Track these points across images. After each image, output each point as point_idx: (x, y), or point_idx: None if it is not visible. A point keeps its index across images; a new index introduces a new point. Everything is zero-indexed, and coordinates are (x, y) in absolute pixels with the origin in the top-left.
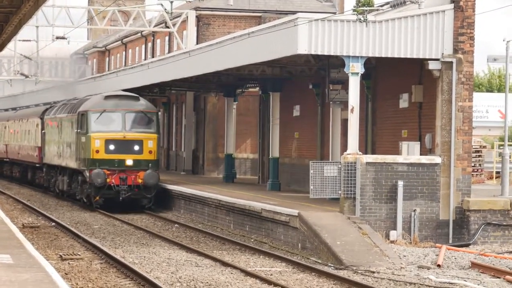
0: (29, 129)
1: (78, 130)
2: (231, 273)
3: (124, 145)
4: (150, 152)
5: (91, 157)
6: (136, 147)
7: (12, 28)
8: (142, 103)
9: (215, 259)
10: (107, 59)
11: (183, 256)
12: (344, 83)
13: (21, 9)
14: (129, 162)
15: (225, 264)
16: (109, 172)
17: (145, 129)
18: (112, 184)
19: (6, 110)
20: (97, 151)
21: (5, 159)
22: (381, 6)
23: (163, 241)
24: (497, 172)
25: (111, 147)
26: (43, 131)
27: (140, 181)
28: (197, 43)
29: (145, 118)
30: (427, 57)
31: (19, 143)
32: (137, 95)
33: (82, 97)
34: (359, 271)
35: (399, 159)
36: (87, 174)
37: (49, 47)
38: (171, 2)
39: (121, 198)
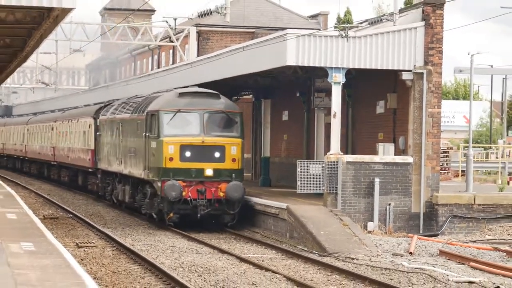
0: (80, 130)
1: (147, 134)
2: (228, 259)
3: (202, 152)
4: (234, 160)
5: (163, 166)
6: (217, 154)
7: (34, 42)
8: (223, 102)
9: (213, 247)
10: (118, 70)
11: (185, 244)
12: (328, 91)
13: (42, 25)
14: (209, 172)
15: (222, 251)
16: (185, 184)
17: (227, 132)
18: (188, 198)
19: (53, 111)
20: (171, 159)
21: (52, 162)
22: (360, 23)
23: (167, 231)
24: (462, 171)
25: (187, 154)
26: (97, 132)
27: (221, 194)
28: (197, 56)
29: (227, 119)
30: (401, 68)
31: (68, 146)
32: (217, 92)
33: (147, 94)
34: (340, 258)
35: (376, 158)
36: (159, 185)
37: (67, 58)
38: (175, 20)
39: (199, 215)
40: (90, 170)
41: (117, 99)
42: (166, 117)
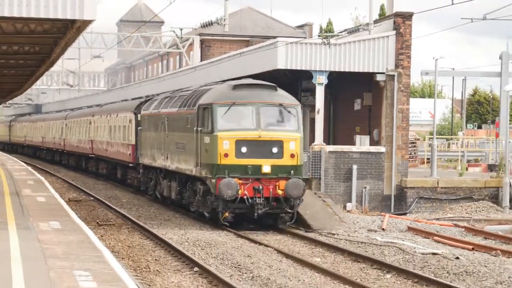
0: (120, 125)
1: (199, 128)
2: (226, 235)
3: (259, 147)
4: (292, 156)
5: (218, 163)
6: (275, 150)
7: (59, 50)
8: (281, 94)
9: (214, 225)
10: (132, 73)
11: (190, 222)
12: (312, 91)
13: (66, 35)
14: (266, 168)
15: (221, 228)
16: (241, 182)
17: (285, 127)
18: (244, 197)
19: (90, 106)
20: (226, 155)
21: (90, 155)
22: (340, 32)
23: (174, 211)
24: (428, 159)
25: (243, 149)
26: (139, 127)
27: (280, 192)
28: (201, 61)
29: (285, 112)
30: (375, 71)
31: (107, 140)
32: (274, 84)
33: (194, 87)
34: (323, 234)
35: (353, 148)
36: (213, 183)
37: (88, 64)
38: (181, 30)
39: (256, 214)
40: (130, 164)
41: (156, 94)
42: (220, 111)
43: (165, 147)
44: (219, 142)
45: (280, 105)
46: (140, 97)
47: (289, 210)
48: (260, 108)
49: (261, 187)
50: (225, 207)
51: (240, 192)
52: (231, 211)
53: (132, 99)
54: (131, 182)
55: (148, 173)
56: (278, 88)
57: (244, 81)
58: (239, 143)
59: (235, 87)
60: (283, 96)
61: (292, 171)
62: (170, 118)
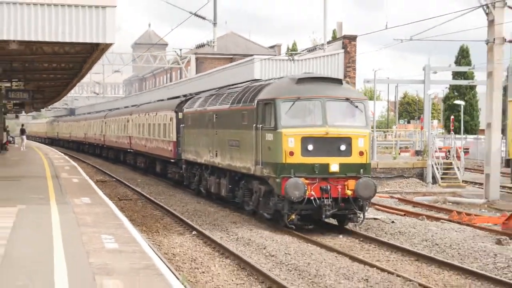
0: (159, 123)
1: (260, 125)
2: (217, 207)
3: (326, 145)
4: (361, 153)
5: (282, 161)
6: (343, 147)
7: (88, 66)
8: (347, 88)
9: (210, 200)
10: (143, 83)
11: (189, 198)
12: None
13: (93, 55)
14: (334, 167)
15: (214, 202)
16: (308, 181)
17: (353, 122)
18: (312, 198)
19: (126, 107)
20: (291, 153)
21: (128, 150)
22: (302, 51)
23: (178, 189)
24: None
25: (310, 147)
26: (181, 125)
27: (349, 192)
28: (196, 74)
29: (352, 108)
30: None
31: (146, 136)
32: (339, 78)
33: (245, 84)
34: None
35: None
36: (278, 183)
37: (110, 76)
38: (181, 50)
39: (324, 216)
40: (172, 160)
41: (194, 93)
42: (284, 106)
43: (214, 144)
44: (284, 139)
45: (347, 99)
46: (178, 97)
47: (359, 211)
48: (326, 103)
49: (329, 187)
50: (291, 209)
51: (307, 192)
52: (298, 213)
53: (168, 98)
54: (172, 176)
55: (191, 169)
56: (343, 82)
57: (308, 74)
58: (305, 140)
59: (299, 81)
60: (349, 90)
61: (361, 170)
62: (220, 115)
